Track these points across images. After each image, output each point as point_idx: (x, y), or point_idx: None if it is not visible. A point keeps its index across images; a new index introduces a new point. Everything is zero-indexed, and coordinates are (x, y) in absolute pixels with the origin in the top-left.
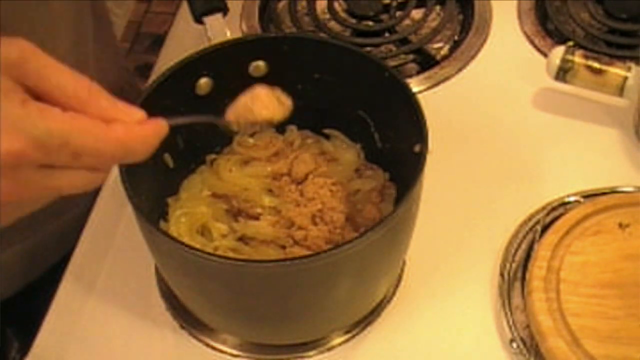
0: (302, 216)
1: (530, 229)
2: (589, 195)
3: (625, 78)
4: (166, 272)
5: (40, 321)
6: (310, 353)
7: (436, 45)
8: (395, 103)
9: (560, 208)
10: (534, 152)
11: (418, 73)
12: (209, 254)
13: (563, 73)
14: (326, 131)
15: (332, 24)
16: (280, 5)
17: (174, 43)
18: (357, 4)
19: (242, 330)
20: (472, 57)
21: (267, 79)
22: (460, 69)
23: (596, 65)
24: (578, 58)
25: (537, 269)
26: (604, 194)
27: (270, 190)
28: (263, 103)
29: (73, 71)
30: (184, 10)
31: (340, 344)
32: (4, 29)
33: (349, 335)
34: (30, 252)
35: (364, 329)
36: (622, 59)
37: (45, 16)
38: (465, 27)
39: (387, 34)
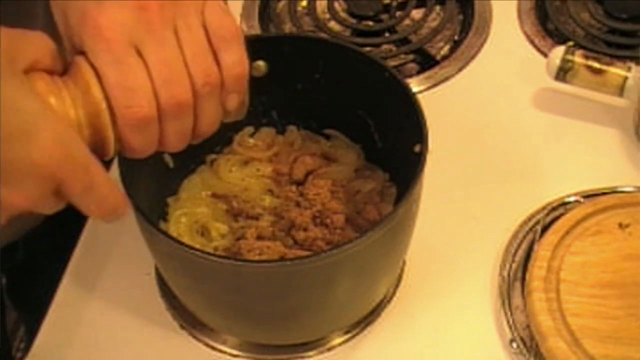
0: (302, 217)
1: (530, 229)
2: (589, 195)
3: (625, 78)
4: (166, 272)
5: (43, 316)
6: (310, 353)
7: (436, 45)
8: (395, 103)
9: (560, 208)
10: (534, 152)
11: (418, 73)
12: (209, 254)
13: (563, 73)
14: (326, 131)
15: (332, 24)
16: (280, 5)
17: None
18: (357, 4)
19: (242, 330)
20: (472, 57)
21: (267, 79)
22: (460, 69)
23: (596, 65)
24: (578, 58)
25: (537, 269)
26: (604, 194)
27: (270, 191)
28: None
29: None
30: None
31: (340, 344)
32: None
33: (349, 335)
34: None
35: (364, 329)
36: (622, 59)
37: None
38: (465, 27)
39: (387, 34)
